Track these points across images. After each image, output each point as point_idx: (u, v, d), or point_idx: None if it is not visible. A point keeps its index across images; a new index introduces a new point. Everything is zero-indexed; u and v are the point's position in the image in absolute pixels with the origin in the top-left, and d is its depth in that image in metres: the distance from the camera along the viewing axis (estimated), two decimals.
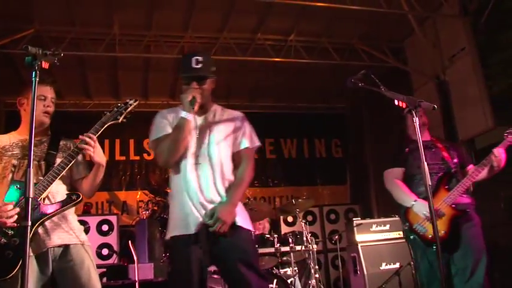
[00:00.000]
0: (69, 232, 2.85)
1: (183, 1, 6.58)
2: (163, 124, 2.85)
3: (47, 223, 2.76)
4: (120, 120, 3.00)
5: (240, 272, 2.58)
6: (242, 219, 2.77)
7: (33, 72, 2.12)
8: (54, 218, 2.79)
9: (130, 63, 7.94)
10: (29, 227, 1.83)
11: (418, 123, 2.73)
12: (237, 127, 2.95)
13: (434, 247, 3.44)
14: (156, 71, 8.32)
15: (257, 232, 5.58)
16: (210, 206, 2.69)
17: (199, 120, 2.88)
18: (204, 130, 2.84)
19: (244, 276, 2.58)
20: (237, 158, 2.90)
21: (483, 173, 3.75)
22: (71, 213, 2.95)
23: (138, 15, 6.88)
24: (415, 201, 3.73)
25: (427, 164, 3.73)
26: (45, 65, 2.14)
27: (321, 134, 10.29)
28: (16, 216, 2.61)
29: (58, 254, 2.78)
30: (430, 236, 3.60)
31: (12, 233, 2.60)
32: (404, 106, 2.75)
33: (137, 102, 3.03)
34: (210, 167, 2.77)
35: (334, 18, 7.17)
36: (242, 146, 2.92)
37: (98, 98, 9.13)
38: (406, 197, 3.82)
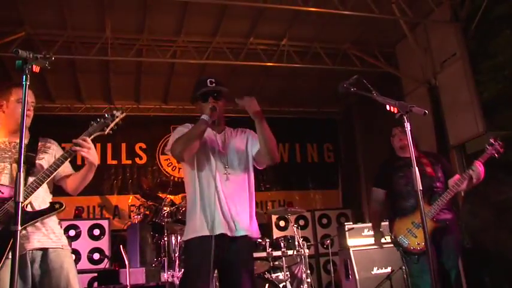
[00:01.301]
0: (48, 236, 2.81)
1: (176, 5, 6.57)
2: (185, 130, 3.06)
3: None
4: (106, 132, 3.05)
5: (242, 280, 2.90)
6: (254, 230, 3.07)
7: (24, 76, 2.10)
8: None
9: (123, 67, 7.92)
10: (18, 232, 1.83)
11: (409, 129, 2.74)
12: (246, 135, 3.27)
13: (417, 257, 3.94)
14: (148, 75, 8.31)
15: None
16: (235, 211, 2.95)
17: (221, 136, 3.18)
18: (228, 144, 3.14)
19: (243, 285, 2.90)
20: (258, 156, 3.14)
21: (463, 186, 4.01)
22: (52, 218, 2.90)
23: (131, 19, 6.87)
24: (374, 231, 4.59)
25: (411, 182, 4.02)
26: (36, 68, 2.13)
27: (313, 139, 10.32)
28: None
29: (37, 257, 2.74)
30: (412, 248, 4.00)
31: None
32: (395, 111, 2.76)
33: (124, 114, 3.13)
34: (238, 176, 3.07)
35: (326, 23, 7.20)
36: (257, 144, 3.14)
37: (90, 102, 9.11)
38: (372, 222, 4.69)
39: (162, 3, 6.42)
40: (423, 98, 7.04)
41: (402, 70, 7.86)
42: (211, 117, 2.99)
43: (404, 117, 2.72)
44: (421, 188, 2.68)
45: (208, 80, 3.14)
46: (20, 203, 1.88)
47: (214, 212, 2.88)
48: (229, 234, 2.89)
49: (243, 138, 3.22)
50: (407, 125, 2.73)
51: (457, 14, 6.54)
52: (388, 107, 2.80)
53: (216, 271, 3.02)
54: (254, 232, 3.05)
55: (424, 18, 6.95)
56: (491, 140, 4.01)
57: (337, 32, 7.50)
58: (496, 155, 3.98)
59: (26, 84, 2.09)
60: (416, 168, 2.71)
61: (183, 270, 3.17)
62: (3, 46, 6.55)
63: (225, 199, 2.95)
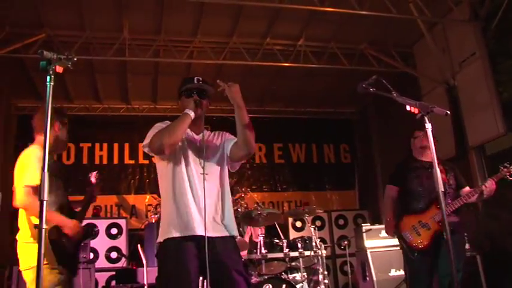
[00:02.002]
0: None
1: (193, 6, 6.61)
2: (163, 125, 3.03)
3: None
4: None
5: (233, 279, 2.78)
6: (234, 229, 3.01)
7: (48, 77, 2.13)
8: None
9: (140, 67, 7.98)
10: (43, 230, 1.86)
11: (430, 130, 2.72)
12: (222, 135, 3.20)
13: (416, 254, 4.16)
14: (165, 76, 8.35)
15: (256, 239, 5.57)
16: (213, 212, 2.90)
17: (199, 137, 3.08)
18: (206, 145, 3.02)
19: (237, 284, 2.79)
20: (234, 149, 3.04)
21: (473, 198, 4.26)
22: None
23: (148, 20, 6.92)
24: (387, 219, 4.55)
25: (425, 184, 4.27)
26: (59, 69, 2.16)
27: (329, 139, 10.29)
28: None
29: None
30: (414, 244, 4.19)
31: None
32: (416, 112, 2.74)
33: None
34: (214, 177, 3.01)
35: (343, 23, 7.17)
36: (232, 141, 3.08)
37: (107, 102, 9.21)
38: (386, 212, 4.63)
39: (178, 4, 6.46)
40: (441, 99, 6.97)
41: (420, 70, 7.79)
42: (195, 112, 2.92)
43: (426, 118, 2.70)
44: (442, 190, 2.66)
45: (195, 78, 3.10)
46: (45, 202, 1.91)
47: (193, 213, 2.80)
48: (210, 235, 2.78)
49: (220, 140, 3.15)
50: (429, 126, 2.71)
51: (476, 13, 6.46)
52: (408, 108, 2.77)
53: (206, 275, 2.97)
54: (232, 231, 2.98)
55: (443, 17, 6.89)
56: (507, 164, 4.23)
57: (354, 32, 7.46)
58: (509, 178, 4.19)
59: (50, 85, 2.13)
60: (438, 169, 2.69)
61: (158, 276, 2.86)
62: (24, 47, 6.67)
63: (203, 199, 2.84)
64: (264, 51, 7.60)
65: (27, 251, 3.12)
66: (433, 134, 2.75)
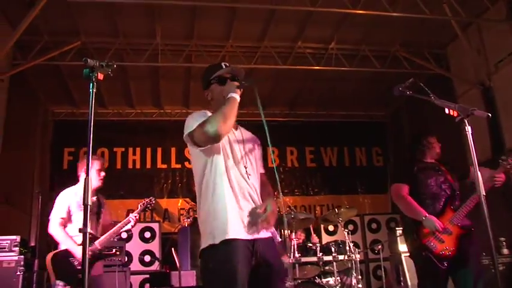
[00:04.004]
0: None
1: (224, 11, 6.66)
2: (205, 115, 2.80)
3: None
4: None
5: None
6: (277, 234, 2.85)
7: (91, 84, 2.19)
8: None
9: (172, 72, 8.08)
10: (87, 234, 1.90)
11: (471, 133, 2.65)
12: (259, 149, 2.96)
13: (446, 263, 3.73)
14: (197, 80, 8.40)
15: (295, 242, 5.54)
16: (256, 211, 2.69)
17: (237, 132, 2.86)
18: (245, 143, 2.84)
19: None
20: None
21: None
22: None
23: (180, 26, 7.01)
24: (426, 216, 3.83)
25: (435, 186, 3.99)
26: (100, 76, 2.22)
27: (361, 143, 10.18)
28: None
29: None
30: (442, 253, 3.78)
31: None
32: (455, 115, 2.68)
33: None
34: (255, 178, 2.80)
35: (375, 26, 7.10)
36: (261, 171, 2.94)
37: (140, 107, 9.34)
38: (417, 211, 3.90)
39: (210, 9, 6.51)
40: (476, 100, 6.83)
41: (454, 72, 7.66)
42: (238, 93, 2.65)
43: (465, 121, 2.63)
44: (484, 194, 2.58)
45: (222, 64, 2.88)
46: (89, 206, 1.96)
47: (236, 215, 2.61)
48: (259, 236, 2.63)
49: (257, 145, 2.92)
50: (469, 129, 2.64)
51: None
52: (447, 111, 2.71)
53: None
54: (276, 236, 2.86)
55: (478, 17, 6.75)
56: (503, 157, 3.89)
57: (386, 34, 7.39)
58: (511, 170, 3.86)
59: (93, 92, 2.18)
60: (479, 173, 2.61)
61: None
62: (61, 55, 6.82)
63: (250, 198, 2.68)
64: (295, 54, 7.61)
65: None
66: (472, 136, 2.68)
